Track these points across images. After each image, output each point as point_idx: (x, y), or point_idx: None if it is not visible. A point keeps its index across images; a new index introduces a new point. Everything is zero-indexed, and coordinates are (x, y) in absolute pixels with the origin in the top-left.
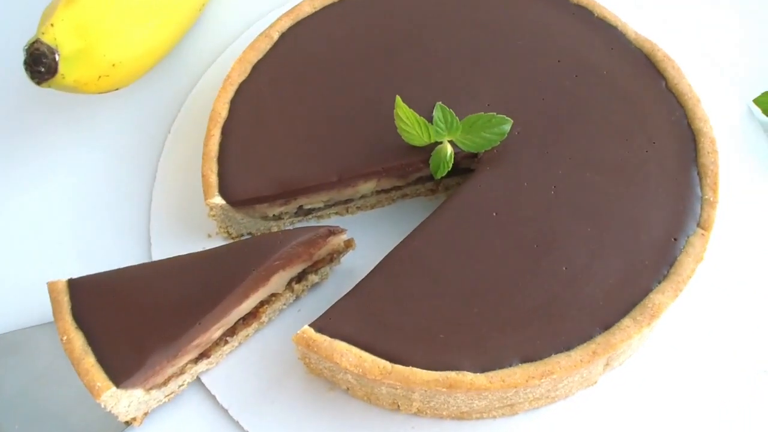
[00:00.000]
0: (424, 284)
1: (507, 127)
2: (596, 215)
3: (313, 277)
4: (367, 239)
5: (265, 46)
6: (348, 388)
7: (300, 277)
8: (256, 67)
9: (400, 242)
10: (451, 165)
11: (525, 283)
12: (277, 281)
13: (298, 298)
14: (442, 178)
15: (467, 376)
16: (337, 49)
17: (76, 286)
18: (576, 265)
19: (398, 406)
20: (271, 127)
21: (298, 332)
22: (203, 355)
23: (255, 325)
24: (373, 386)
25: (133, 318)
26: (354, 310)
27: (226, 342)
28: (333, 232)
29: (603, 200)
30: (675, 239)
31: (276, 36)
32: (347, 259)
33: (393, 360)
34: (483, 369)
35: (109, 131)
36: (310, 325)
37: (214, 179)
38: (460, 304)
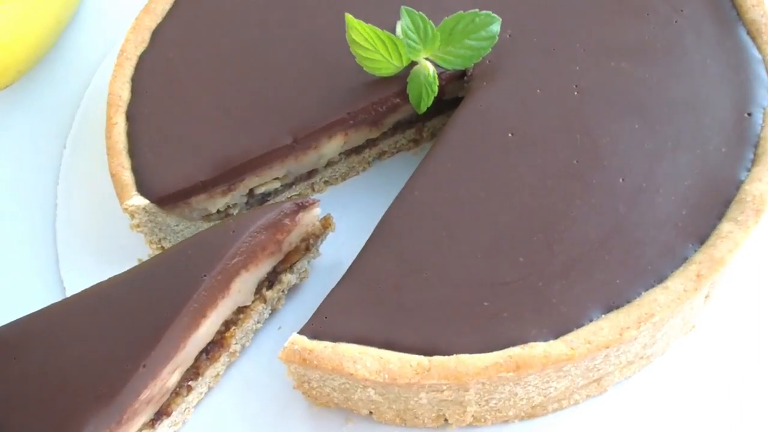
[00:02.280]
0: (442, 243)
1: (496, 28)
2: (639, 108)
3: (287, 278)
4: (346, 220)
5: (164, 6)
6: (371, 412)
7: (271, 280)
8: (157, 33)
9: (396, 198)
10: (436, 89)
11: (576, 210)
12: (241, 288)
13: (274, 310)
14: (426, 116)
15: (538, 348)
16: (249, 1)
17: None
18: (635, 174)
19: (445, 419)
20: (191, 100)
21: (286, 345)
22: (162, 413)
23: (224, 357)
24: (408, 398)
25: (49, 381)
26: (356, 297)
27: (190, 389)
28: (302, 205)
29: (641, 89)
30: (749, 114)
31: None
32: (327, 249)
33: (428, 351)
34: (556, 333)
35: None
36: (299, 333)
37: (127, 176)
38: (498, 257)
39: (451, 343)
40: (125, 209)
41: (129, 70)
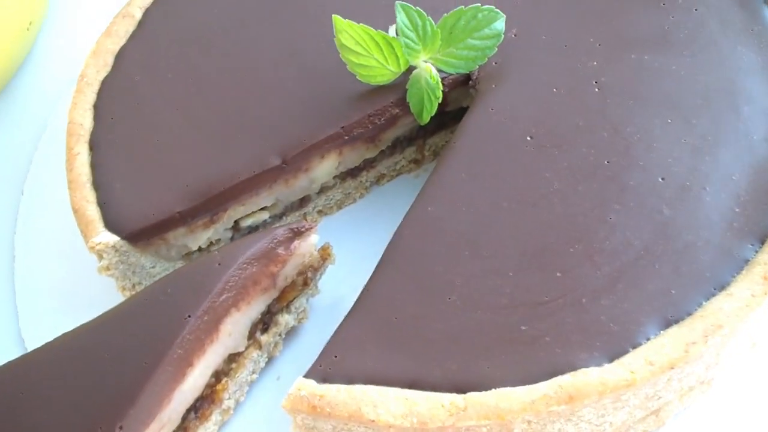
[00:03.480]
0: (465, 263)
1: (501, 25)
2: (669, 102)
3: (284, 319)
4: (344, 254)
5: (127, 28)
6: None
7: (266, 322)
8: (121, 56)
9: (406, 216)
10: (440, 93)
11: (615, 216)
12: (233, 331)
13: (271, 358)
14: (427, 130)
15: (592, 375)
16: (221, 12)
17: None
18: (676, 172)
19: None
20: (163, 124)
21: (291, 391)
22: None
23: (216, 416)
24: None
25: None
26: (369, 331)
27: None
28: (297, 231)
29: (669, 81)
30: None
31: (139, 14)
32: (326, 286)
33: (460, 388)
34: (610, 356)
35: None
36: (305, 377)
37: (93, 211)
38: (531, 274)
39: (487, 376)
40: (92, 248)
41: (91, 96)
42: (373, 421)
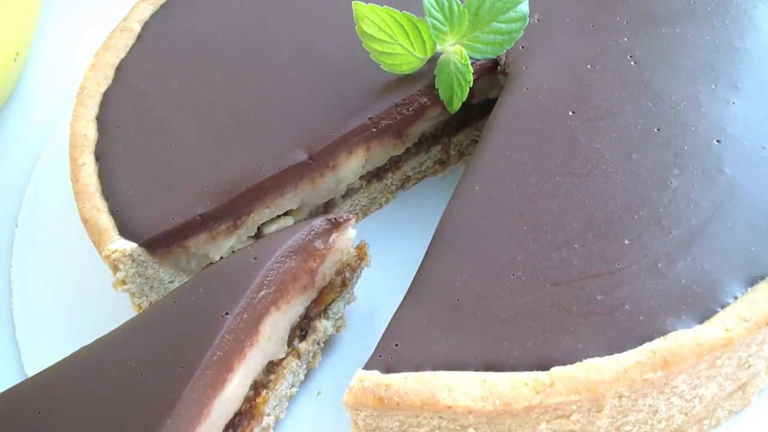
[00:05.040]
0: (525, 238)
1: (525, 7)
2: (710, 70)
3: (323, 325)
4: (376, 261)
5: (126, 42)
6: None
7: (304, 329)
8: (122, 68)
9: (453, 197)
10: (470, 77)
11: (676, 180)
12: (272, 334)
13: (309, 370)
14: (452, 129)
15: (686, 336)
16: (224, 19)
17: None
18: (732, 134)
19: None
20: (175, 128)
21: (352, 384)
22: None
23: None
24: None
25: None
26: (431, 315)
27: None
28: (335, 222)
29: (706, 51)
30: None
31: (138, 27)
32: (362, 294)
33: (542, 365)
34: (699, 318)
35: None
36: (365, 368)
37: (105, 220)
38: (598, 244)
39: (569, 350)
40: (107, 257)
41: (93, 108)
42: (449, 407)
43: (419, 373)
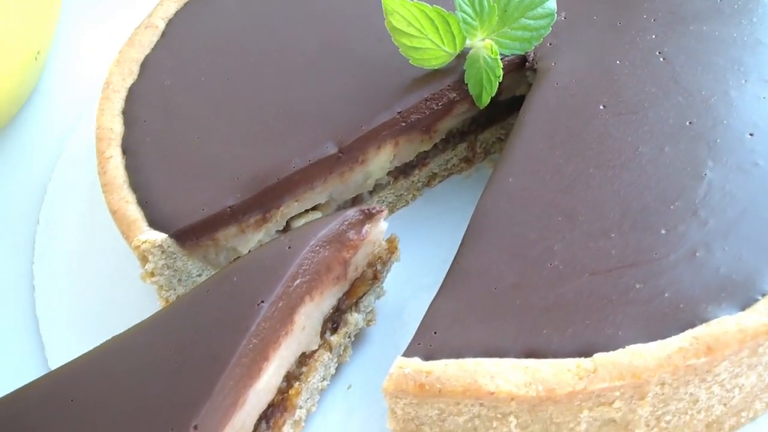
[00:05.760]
0: (560, 229)
1: (553, 4)
2: (740, 66)
3: (354, 318)
4: (403, 258)
5: (150, 38)
6: None
7: (336, 321)
8: (147, 64)
9: (487, 189)
10: (500, 72)
11: (710, 172)
12: (306, 325)
13: (340, 364)
14: (478, 126)
15: (729, 323)
16: (249, 17)
17: None
18: (764, 126)
19: None
20: (203, 122)
21: (392, 370)
22: None
23: (288, 427)
24: (561, 426)
25: None
26: (468, 304)
27: None
28: (368, 213)
29: (734, 48)
30: None
31: (162, 24)
32: (391, 289)
33: (585, 352)
34: (741, 305)
35: None
36: (404, 355)
37: (134, 210)
38: (635, 234)
39: (611, 337)
40: (136, 248)
41: (118, 103)
42: (492, 393)
43: (460, 359)
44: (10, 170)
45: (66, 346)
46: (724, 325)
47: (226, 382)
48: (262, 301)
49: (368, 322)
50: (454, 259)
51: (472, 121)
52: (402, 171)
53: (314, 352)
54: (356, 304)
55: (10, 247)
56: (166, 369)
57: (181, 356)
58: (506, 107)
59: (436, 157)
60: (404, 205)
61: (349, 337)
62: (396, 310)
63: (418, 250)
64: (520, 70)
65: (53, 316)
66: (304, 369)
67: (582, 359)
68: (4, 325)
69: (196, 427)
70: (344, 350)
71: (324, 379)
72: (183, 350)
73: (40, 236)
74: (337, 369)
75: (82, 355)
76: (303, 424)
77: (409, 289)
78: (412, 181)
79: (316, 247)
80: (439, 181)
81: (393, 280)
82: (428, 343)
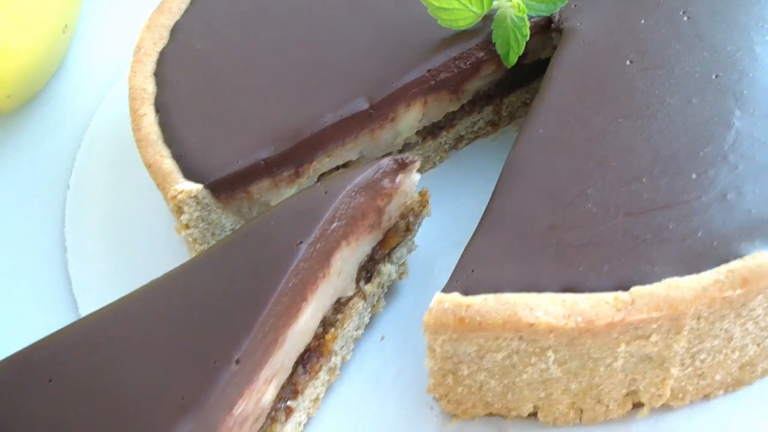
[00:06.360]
0: (593, 175)
1: None
2: (766, 21)
3: (387, 269)
4: (433, 215)
5: (180, 5)
6: (537, 408)
7: (369, 271)
8: (177, 29)
9: (518, 139)
10: (527, 32)
11: (738, 120)
12: (342, 270)
13: (374, 315)
14: (504, 89)
15: (763, 257)
16: None
17: None
18: None
19: (637, 396)
20: (236, 81)
21: (432, 305)
22: None
23: (324, 374)
24: (599, 362)
25: (106, 400)
26: (505, 244)
27: (289, 412)
28: (402, 163)
29: (759, 6)
30: None
31: None
32: (422, 245)
33: (622, 286)
34: None
35: None
36: (443, 292)
37: (169, 163)
38: (666, 179)
39: (647, 273)
40: (172, 198)
41: (150, 65)
42: (532, 324)
43: (499, 294)
44: (40, 139)
45: (99, 304)
46: (759, 259)
47: (267, 319)
48: (301, 242)
49: (400, 275)
50: (489, 203)
51: (498, 84)
52: (430, 132)
53: (349, 299)
54: (389, 255)
55: (42, 212)
56: (206, 308)
57: (221, 296)
58: (531, 71)
59: (463, 119)
60: (432, 167)
61: (383, 287)
62: (427, 266)
63: (446, 209)
64: (546, 31)
65: (85, 276)
66: (340, 316)
67: (620, 292)
68: (38, 286)
69: (238, 361)
70: (378, 301)
71: (358, 328)
72: (223, 290)
73: (70, 200)
74: (370, 320)
75: (120, 298)
76: (338, 372)
77: (440, 246)
78: (440, 143)
79: (352, 192)
80: (466, 144)
81: (423, 237)
82: (466, 280)
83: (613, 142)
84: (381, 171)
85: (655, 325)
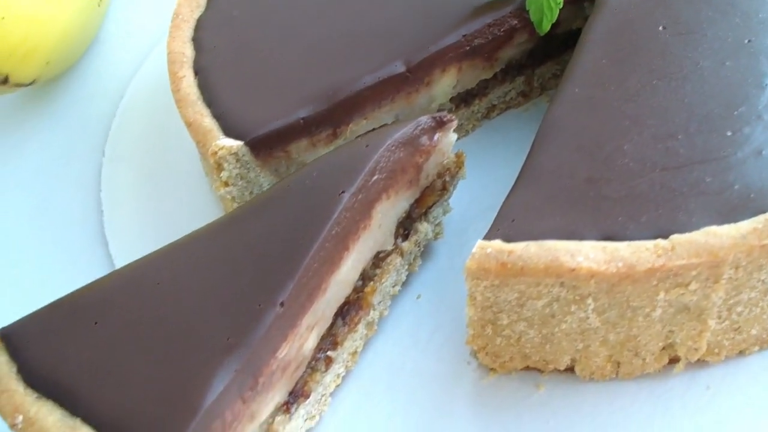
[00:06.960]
0: (630, 132)
1: None
2: None
3: (423, 227)
4: (467, 180)
5: None
6: (574, 361)
7: (407, 228)
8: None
9: (554, 99)
10: (561, 0)
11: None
12: (382, 223)
13: (410, 273)
14: (536, 60)
15: None
16: None
17: (16, 336)
18: None
19: (674, 349)
20: (274, 45)
21: (475, 251)
22: (298, 393)
23: (362, 328)
24: (638, 311)
25: (154, 341)
26: (544, 195)
27: (329, 362)
28: (439, 121)
29: None
30: None
31: None
32: (457, 208)
33: (659, 235)
34: None
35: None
36: (484, 239)
37: (209, 122)
38: (701, 136)
39: (686, 223)
40: (213, 154)
41: (188, 31)
42: (573, 270)
43: (543, 241)
44: (77, 107)
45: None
46: None
47: (311, 264)
48: (343, 192)
49: (436, 235)
50: (527, 159)
51: (530, 54)
52: (463, 99)
53: (388, 255)
54: (425, 214)
55: (79, 176)
56: (251, 254)
57: (265, 242)
58: (563, 42)
59: (495, 87)
60: (464, 135)
61: (419, 246)
62: (461, 228)
63: (479, 176)
64: (576, 4)
65: (121, 237)
66: (378, 270)
67: (659, 240)
68: (76, 248)
69: (282, 304)
70: (414, 259)
71: (396, 285)
72: (267, 237)
73: (105, 168)
74: (407, 278)
75: (164, 246)
76: (376, 327)
77: (473, 211)
78: (473, 111)
79: (392, 147)
80: (498, 114)
81: (458, 200)
82: (508, 228)
83: (648, 102)
84: (420, 128)
85: (694, 272)
